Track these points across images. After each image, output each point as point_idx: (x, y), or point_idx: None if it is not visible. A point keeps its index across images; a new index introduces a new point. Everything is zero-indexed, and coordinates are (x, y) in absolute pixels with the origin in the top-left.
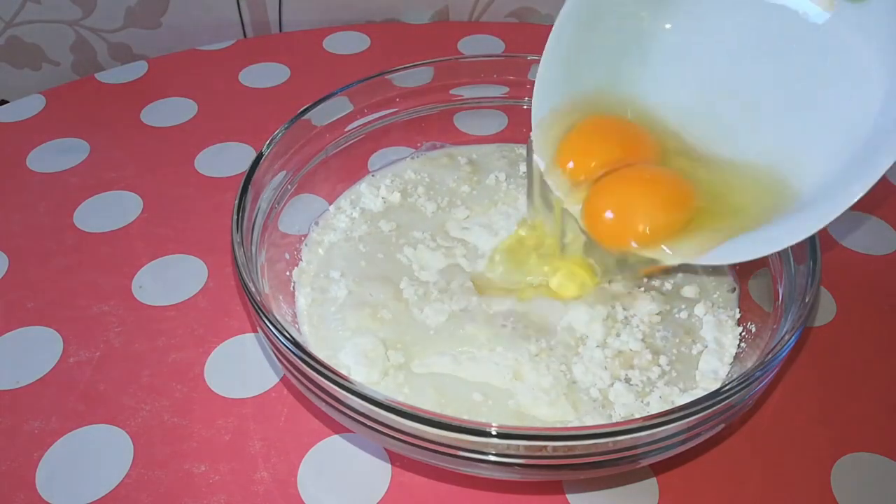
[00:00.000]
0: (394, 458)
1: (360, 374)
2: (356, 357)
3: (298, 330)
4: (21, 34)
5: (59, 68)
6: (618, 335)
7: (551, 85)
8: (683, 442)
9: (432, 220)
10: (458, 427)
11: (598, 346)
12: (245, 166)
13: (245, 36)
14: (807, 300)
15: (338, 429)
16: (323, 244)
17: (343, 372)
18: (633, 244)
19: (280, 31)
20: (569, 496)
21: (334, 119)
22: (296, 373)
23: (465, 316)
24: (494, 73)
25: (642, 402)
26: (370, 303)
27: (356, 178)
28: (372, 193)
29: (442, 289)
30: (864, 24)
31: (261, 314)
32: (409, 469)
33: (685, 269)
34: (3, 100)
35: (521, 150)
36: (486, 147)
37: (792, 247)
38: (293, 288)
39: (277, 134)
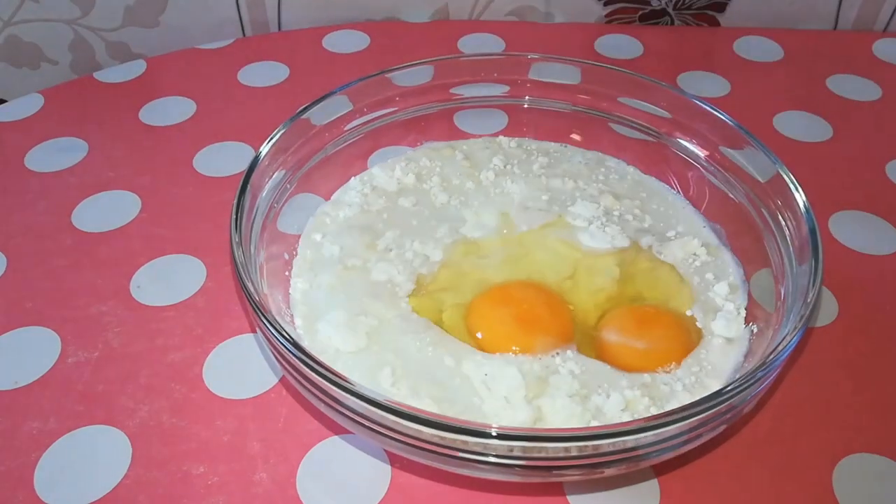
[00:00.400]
0: (393, 459)
1: (349, 344)
2: (337, 329)
3: (294, 326)
4: (19, 33)
5: (58, 67)
6: None
7: None
8: (685, 443)
9: (441, 212)
10: (457, 428)
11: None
12: (244, 166)
13: (244, 35)
14: (809, 300)
15: (337, 429)
16: (337, 219)
17: (331, 350)
18: None
19: (279, 29)
20: (569, 497)
21: (334, 118)
22: (295, 373)
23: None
24: (494, 72)
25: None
26: (347, 251)
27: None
28: (386, 175)
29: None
30: None
31: (259, 314)
32: (408, 470)
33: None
34: (1, 99)
35: (501, 139)
36: (473, 141)
37: (794, 247)
38: (292, 287)
39: (276, 133)
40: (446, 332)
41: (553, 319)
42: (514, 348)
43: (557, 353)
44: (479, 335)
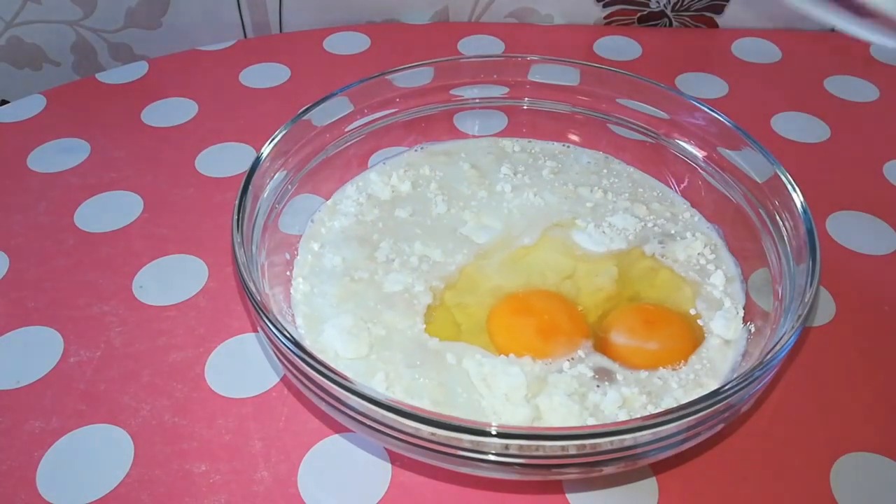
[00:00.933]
0: (394, 458)
1: (349, 351)
2: (339, 335)
3: (296, 326)
4: (22, 34)
5: (60, 68)
6: None
7: None
8: (683, 441)
9: (442, 218)
10: (458, 427)
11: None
12: (245, 166)
13: (245, 36)
14: (806, 300)
15: (338, 428)
16: (333, 229)
17: (330, 352)
18: None
19: (280, 31)
20: (568, 495)
21: (334, 119)
22: (296, 372)
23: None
24: (494, 74)
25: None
26: (350, 264)
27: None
28: (382, 181)
29: (413, 268)
30: None
31: (261, 314)
32: (409, 469)
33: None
34: (3, 100)
35: (505, 142)
36: (475, 142)
37: (792, 247)
38: (293, 287)
39: (278, 134)
40: (456, 360)
41: (572, 330)
42: (530, 355)
43: (572, 358)
44: (499, 343)
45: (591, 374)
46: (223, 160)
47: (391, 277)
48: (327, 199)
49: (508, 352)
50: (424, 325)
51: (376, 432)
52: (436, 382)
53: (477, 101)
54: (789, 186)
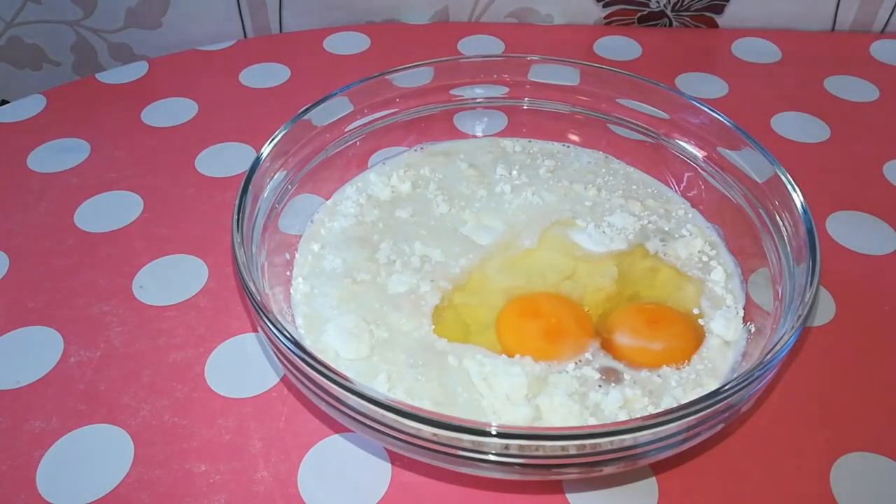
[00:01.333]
0: (394, 458)
1: (350, 352)
2: (340, 335)
3: (296, 326)
4: (22, 34)
5: (60, 68)
6: None
7: None
8: (683, 441)
9: (443, 218)
10: (458, 427)
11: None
12: (245, 166)
13: (245, 36)
14: (806, 300)
15: (338, 428)
16: (333, 230)
17: (331, 352)
18: None
19: (280, 31)
20: (568, 495)
21: (334, 119)
22: (296, 372)
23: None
24: (494, 74)
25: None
26: (351, 265)
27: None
28: (382, 182)
29: (415, 268)
30: None
31: (261, 314)
32: (409, 469)
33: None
34: (3, 100)
35: (505, 142)
36: (474, 142)
37: (792, 247)
38: (293, 287)
39: (278, 134)
40: (461, 362)
41: (580, 333)
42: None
43: (579, 360)
44: (508, 345)
45: (597, 375)
46: (223, 160)
47: (395, 279)
48: (327, 200)
49: (517, 354)
50: (433, 326)
51: (376, 432)
52: (436, 383)
53: (477, 101)
54: (789, 186)
